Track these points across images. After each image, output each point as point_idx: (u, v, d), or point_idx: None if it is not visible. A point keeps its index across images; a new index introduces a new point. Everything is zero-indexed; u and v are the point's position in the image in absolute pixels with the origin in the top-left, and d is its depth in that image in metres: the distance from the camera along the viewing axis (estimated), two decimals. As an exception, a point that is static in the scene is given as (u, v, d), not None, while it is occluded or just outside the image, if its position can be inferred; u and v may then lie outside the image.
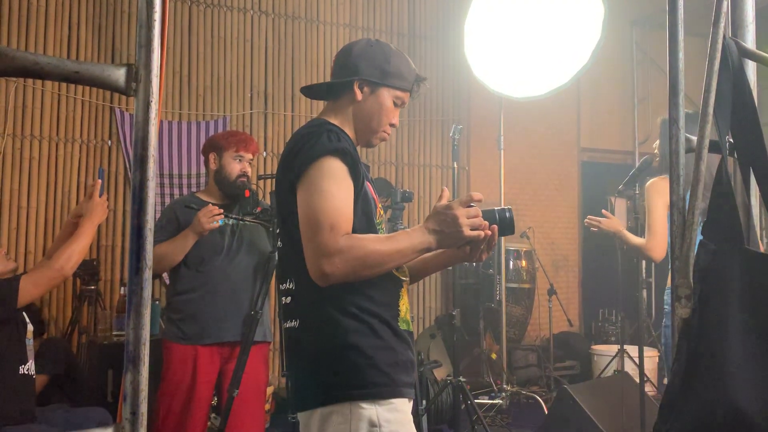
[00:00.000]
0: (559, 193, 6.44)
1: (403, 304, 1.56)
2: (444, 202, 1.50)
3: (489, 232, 1.47)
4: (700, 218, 1.05)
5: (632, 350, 4.71)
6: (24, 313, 2.56)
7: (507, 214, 1.54)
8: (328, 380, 1.46)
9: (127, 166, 4.76)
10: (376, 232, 1.55)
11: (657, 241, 2.67)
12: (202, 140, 4.84)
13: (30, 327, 2.59)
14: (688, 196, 1.03)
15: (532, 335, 5.95)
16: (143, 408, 0.70)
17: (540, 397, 4.79)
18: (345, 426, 1.42)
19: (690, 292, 1.01)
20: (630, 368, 4.54)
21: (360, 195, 1.51)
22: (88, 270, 4.12)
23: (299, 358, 1.53)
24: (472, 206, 1.47)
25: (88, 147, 4.74)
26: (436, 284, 5.82)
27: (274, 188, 1.70)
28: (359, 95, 1.61)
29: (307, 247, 1.43)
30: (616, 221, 2.93)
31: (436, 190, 5.89)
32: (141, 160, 0.72)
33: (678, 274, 1.02)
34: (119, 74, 0.70)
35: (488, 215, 1.51)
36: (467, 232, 1.44)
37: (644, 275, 6.09)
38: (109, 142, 4.79)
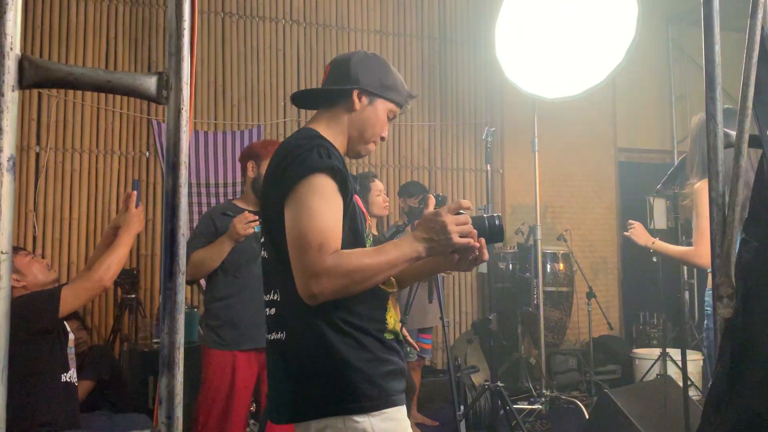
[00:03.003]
0: (596, 195, 6.34)
1: (391, 317, 1.56)
2: (431, 209, 1.50)
3: (477, 244, 1.47)
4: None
5: (675, 353, 4.61)
6: (65, 323, 2.62)
7: (496, 222, 1.53)
8: (319, 394, 1.45)
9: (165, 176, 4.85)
10: (364, 245, 1.54)
11: (708, 248, 2.59)
12: (237, 149, 4.90)
13: (71, 336, 2.65)
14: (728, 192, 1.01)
15: (572, 339, 5.86)
16: (178, 412, 0.70)
17: (580, 402, 4.71)
18: None
19: (732, 291, 0.98)
20: (673, 372, 4.43)
21: (348, 211, 1.50)
22: (128, 279, 4.21)
23: (286, 370, 1.52)
24: (462, 213, 1.46)
25: (127, 158, 4.84)
26: (472, 289, 5.78)
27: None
28: (357, 104, 1.61)
29: (295, 266, 1.42)
30: (645, 234, 2.86)
31: (470, 194, 5.86)
32: (173, 167, 0.73)
33: (719, 273, 1.00)
34: (150, 83, 0.72)
35: (477, 222, 1.50)
36: (456, 239, 1.43)
37: (686, 276, 5.97)
38: (147, 153, 4.88)
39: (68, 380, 2.57)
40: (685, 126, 6.42)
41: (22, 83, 0.66)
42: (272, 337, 1.55)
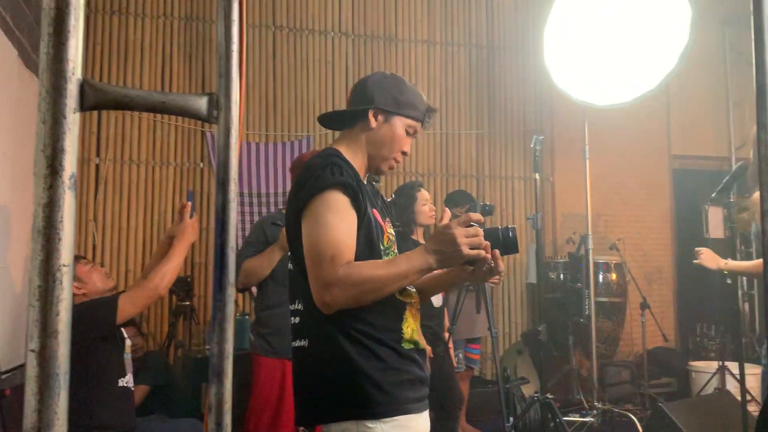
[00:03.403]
0: (649, 203, 6.19)
1: (408, 326, 1.61)
2: (446, 221, 1.56)
3: (488, 255, 1.51)
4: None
5: (734, 367, 4.46)
6: (123, 329, 2.71)
7: (510, 234, 1.57)
8: (334, 399, 1.53)
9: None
10: (380, 257, 1.61)
11: None
12: (288, 160, 4.99)
13: (128, 342, 2.74)
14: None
15: (625, 351, 5.73)
16: (227, 419, 0.73)
17: (634, 415, 4.60)
18: None
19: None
20: (732, 386, 4.28)
21: (363, 224, 1.57)
22: (182, 286, 4.32)
23: (308, 376, 1.61)
24: (473, 226, 1.50)
25: (182, 169, 4.98)
26: (522, 299, 5.72)
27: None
28: (373, 123, 1.69)
29: (310, 277, 1.51)
30: (714, 258, 2.80)
31: (520, 203, 5.81)
32: (223, 184, 0.76)
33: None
34: (201, 103, 0.75)
35: (491, 234, 1.54)
36: (466, 251, 1.48)
37: (745, 287, 5.76)
38: (201, 164, 5.01)
39: (125, 385, 2.65)
40: (743, 132, 6.23)
41: (83, 106, 0.70)
42: (297, 344, 1.64)
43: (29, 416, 0.65)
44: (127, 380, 2.67)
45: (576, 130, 5.11)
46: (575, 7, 4.83)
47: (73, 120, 0.66)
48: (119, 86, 0.75)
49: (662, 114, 6.20)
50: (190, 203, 2.55)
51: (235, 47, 0.76)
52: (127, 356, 2.71)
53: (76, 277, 2.64)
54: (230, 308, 0.76)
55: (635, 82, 4.53)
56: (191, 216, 2.54)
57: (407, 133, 1.71)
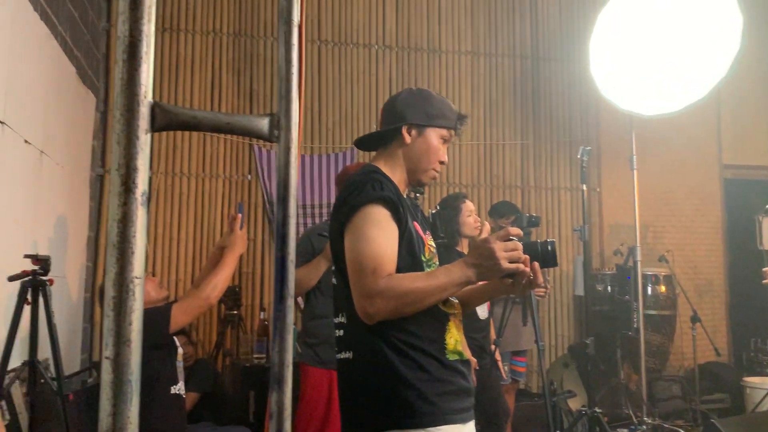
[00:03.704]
0: (699, 214, 6.05)
1: (451, 337, 1.64)
2: (485, 236, 1.58)
3: (527, 269, 1.54)
4: None
5: (791, 383, 4.31)
6: (175, 338, 2.78)
7: (549, 247, 1.60)
8: (379, 409, 1.56)
9: (265, 198, 5.06)
10: (422, 269, 1.64)
11: None
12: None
13: (180, 350, 2.81)
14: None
15: (675, 365, 5.59)
16: (287, 425, 0.76)
17: (685, 431, 4.48)
18: None
19: None
20: (789, 403, 4.14)
21: (404, 237, 1.62)
22: (231, 296, 4.41)
23: (353, 387, 1.64)
24: (512, 240, 1.53)
25: (231, 182, 5.10)
26: (569, 312, 5.64)
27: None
28: (408, 138, 1.74)
29: (353, 289, 1.55)
30: None
31: (566, 214, 5.74)
32: (283, 200, 0.79)
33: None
34: (263, 123, 0.79)
35: (530, 248, 1.57)
36: (505, 264, 1.51)
37: (803, 301, 5.57)
38: (249, 176, 5.12)
39: (177, 392, 2.72)
40: (799, 140, 6.04)
41: (154, 127, 0.74)
42: (341, 356, 1.68)
43: (104, 420, 0.68)
44: (179, 388, 2.73)
45: (623, 140, 5.04)
46: (621, 16, 4.77)
47: (145, 140, 0.71)
48: (187, 108, 0.79)
49: (712, 122, 6.06)
50: (240, 215, 2.61)
51: (294, 70, 0.80)
52: (179, 364, 2.77)
53: None
54: (290, 318, 0.79)
55: (684, 91, 4.45)
56: (241, 227, 2.60)
57: (442, 142, 1.77)
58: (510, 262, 1.51)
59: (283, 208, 0.78)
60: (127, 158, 0.71)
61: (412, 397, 1.54)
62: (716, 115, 6.04)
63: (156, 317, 2.54)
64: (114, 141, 0.73)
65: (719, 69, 4.32)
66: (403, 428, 1.53)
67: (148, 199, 4.81)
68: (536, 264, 1.56)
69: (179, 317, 2.54)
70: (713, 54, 4.31)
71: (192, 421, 3.34)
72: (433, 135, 1.75)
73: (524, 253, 1.53)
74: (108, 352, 0.71)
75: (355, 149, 5.27)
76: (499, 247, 1.51)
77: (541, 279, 1.58)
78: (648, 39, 4.58)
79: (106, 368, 0.69)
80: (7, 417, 2.34)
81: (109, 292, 0.70)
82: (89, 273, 4.56)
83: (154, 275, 4.63)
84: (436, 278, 1.54)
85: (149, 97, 0.71)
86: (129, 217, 0.70)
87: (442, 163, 1.77)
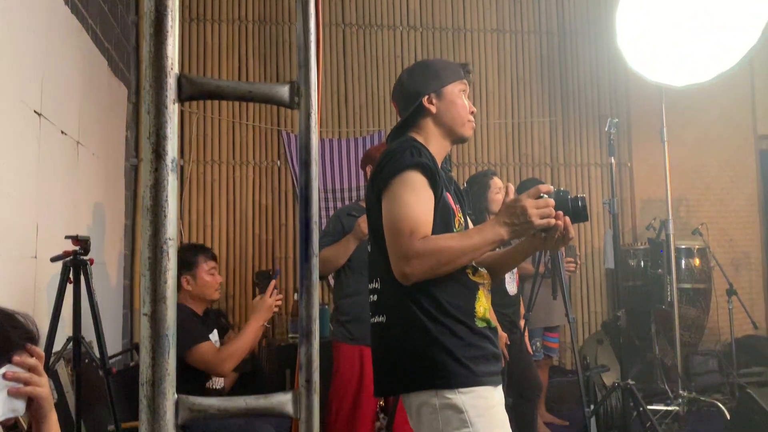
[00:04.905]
0: (734, 186, 5.93)
1: (480, 305, 1.67)
2: (511, 196, 1.61)
3: (561, 222, 1.55)
4: None
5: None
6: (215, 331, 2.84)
7: (579, 203, 1.61)
8: (413, 370, 1.60)
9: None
10: None
11: None
12: (360, 155, 5.09)
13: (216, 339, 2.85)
14: None
15: (711, 339, 5.52)
16: (316, 377, 0.80)
17: (722, 405, 4.44)
18: (434, 416, 1.57)
19: None
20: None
21: (439, 205, 1.65)
22: (266, 280, 4.49)
23: (386, 349, 1.68)
24: (543, 197, 1.55)
25: (260, 168, 5.17)
26: (601, 288, 5.61)
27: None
28: (432, 108, 1.78)
29: (391, 252, 1.59)
30: None
31: (596, 189, 5.70)
32: (305, 164, 0.83)
33: None
34: (284, 91, 0.82)
35: (561, 204, 1.58)
36: (537, 221, 1.53)
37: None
38: (278, 162, 5.18)
39: (214, 387, 2.77)
40: (838, 107, 5.87)
41: (181, 97, 0.78)
42: (375, 320, 1.72)
43: (144, 372, 0.73)
44: (214, 382, 2.77)
45: (653, 113, 4.96)
46: (649, -13, 4.69)
47: (173, 110, 0.75)
48: (212, 78, 0.83)
49: (746, 92, 5.92)
50: (274, 282, 2.66)
51: (312, 38, 0.83)
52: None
53: (190, 272, 2.76)
54: (315, 276, 0.83)
55: (715, 60, 4.37)
56: (271, 294, 2.63)
57: (462, 95, 1.80)
58: (541, 218, 1.53)
59: (306, 171, 0.82)
60: (157, 126, 0.75)
61: (445, 359, 1.57)
62: (750, 84, 5.91)
63: (187, 334, 2.51)
64: (144, 111, 0.77)
65: (751, 36, 4.22)
66: (437, 388, 1.57)
67: (182, 177, 4.84)
68: (567, 218, 1.58)
69: (197, 357, 2.54)
70: (744, 21, 4.21)
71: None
72: (452, 91, 1.78)
73: (555, 209, 1.55)
74: (146, 308, 0.75)
75: (383, 132, 5.29)
76: (530, 204, 1.53)
77: (573, 233, 1.60)
78: (676, 7, 4.49)
79: (144, 324, 0.74)
80: (55, 395, 2.44)
81: (145, 253, 0.75)
82: (127, 261, 4.68)
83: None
84: (470, 238, 1.56)
85: (176, 69, 0.75)
86: (160, 182, 0.74)
87: (472, 113, 1.81)
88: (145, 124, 0.74)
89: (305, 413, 0.80)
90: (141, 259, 0.75)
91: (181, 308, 2.65)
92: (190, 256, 2.84)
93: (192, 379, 2.61)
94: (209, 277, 2.82)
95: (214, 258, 2.92)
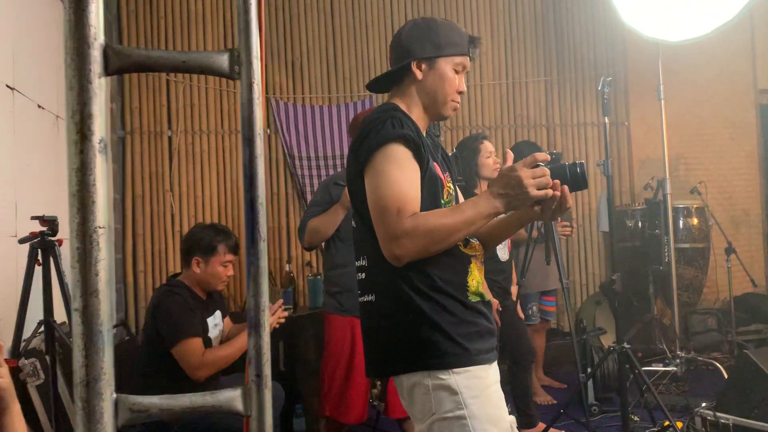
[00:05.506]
0: (734, 142, 5.84)
1: (473, 279, 1.60)
2: (509, 164, 1.50)
3: (558, 193, 1.47)
4: None
5: (830, 311, 4.21)
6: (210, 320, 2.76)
7: (578, 169, 1.52)
8: (406, 351, 1.54)
9: (286, 151, 5.04)
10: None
11: None
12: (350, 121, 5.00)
13: (215, 333, 2.77)
14: None
15: (710, 298, 5.50)
16: (267, 370, 0.75)
17: (721, 364, 4.43)
18: (428, 397, 1.51)
19: None
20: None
21: (426, 176, 1.55)
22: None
23: (377, 329, 1.61)
24: (539, 165, 1.46)
25: (250, 137, 5.06)
26: (599, 249, 5.56)
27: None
28: (419, 74, 1.65)
29: (378, 231, 1.49)
30: None
31: (593, 150, 5.61)
32: (249, 140, 0.76)
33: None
34: (223, 60, 0.75)
35: (558, 172, 1.49)
36: (533, 192, 1.44)
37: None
38: (268, 130, 5.09)
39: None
40: (840, 59, 5.74)
41: (108, 70, 0.71)
42: (364, 299, 1.65)
43: (78, 371, 0.67)
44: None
45: (651, 71, 4.85)
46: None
47: (98, 85, 0.67)
48: (141, 48, 0.76)
49: (746, 45, 5.79)
50: (282, 300, 2.63)
51: (253, 0, 0.75)
52: (216, 329, 2.77)
53: (204, 257, 2.65)
54: (263, 262, 0.77)
55: (713, 12, 4.24)
56: (275, 312, 2.58)
57: (456, 71, 1.67)
58: (538, 189, 1.45)
59: (250, 148, 0.75)
60: (81, 104, 0.68)
61: (438, 339, 1.51)
62: (749, 37, 5.77)
63: (170, 329, 2.46)
64: (66, 87, 0.70)
65: (750, -13, 4.09)
66: (431, 369, 1.51)
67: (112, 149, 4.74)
68: (565, 188, 1.49)
69: (182, 353, 2.46)
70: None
71: (226, 373, 3.41)
72: (446, 65, 1.65)
73: (552, 177, 1.46)
74: (76, 303, 0.69)
75: (374, 97, 5.19)
76: (526, 175, 1.44)
77: (570, 202, 1.52)
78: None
79: (76, 320, 0.68)
80: (42, 376, 2.41)
81: (74, 243, 0.68)
82: (118, 235, 4.63)
83: (181, 234, 4.68)
84: (463, 212, 1.47)
85: (100, 39, 0.68)
86: (87, 164, 0.68)
87: (460, 93, 1.69)
88: (68, 102, 0.67)
89: (256, 410, 0.75)
90: (70, 249, 0.68)
91: (179, 293, 2.55)
92: (211, 239, 2.66)
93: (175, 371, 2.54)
94: (221, 269, 2.68)
95: (235, 251, 2.74)
